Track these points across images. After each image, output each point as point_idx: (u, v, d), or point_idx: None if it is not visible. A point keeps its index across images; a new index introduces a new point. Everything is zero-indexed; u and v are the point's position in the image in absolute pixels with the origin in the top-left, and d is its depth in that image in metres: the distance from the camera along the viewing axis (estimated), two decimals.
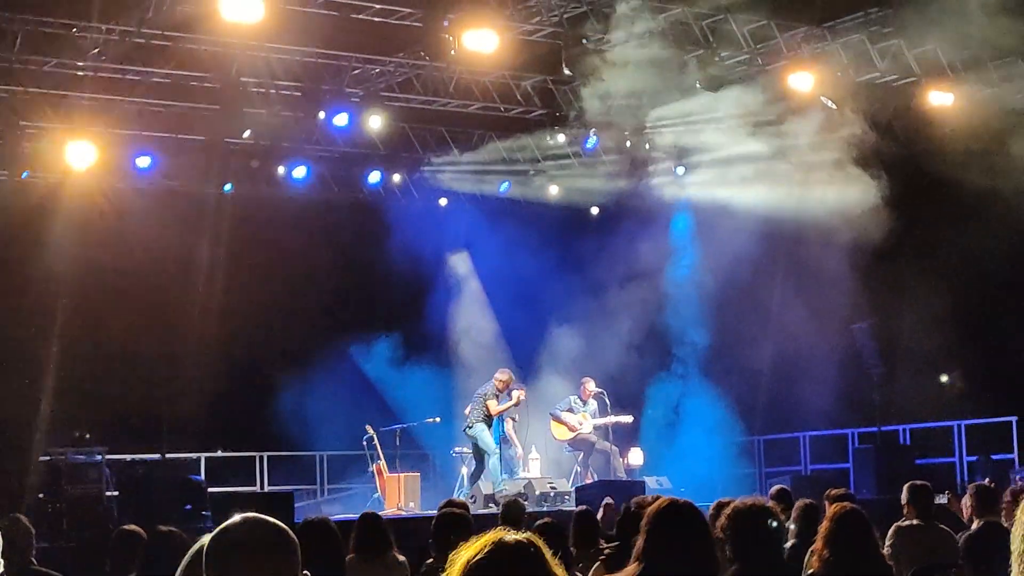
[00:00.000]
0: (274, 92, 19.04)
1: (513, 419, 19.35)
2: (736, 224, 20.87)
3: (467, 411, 18.83)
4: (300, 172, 22.01)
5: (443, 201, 23.93)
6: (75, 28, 16.98)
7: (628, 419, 19.69)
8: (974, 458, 19.79)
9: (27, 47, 16.95)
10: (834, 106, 18.87)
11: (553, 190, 23.70)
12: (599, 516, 11.67)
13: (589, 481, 18.60)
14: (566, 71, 18.08)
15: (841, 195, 19.79)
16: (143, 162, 20.60)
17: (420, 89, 19.93)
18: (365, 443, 19.31)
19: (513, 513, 10.18)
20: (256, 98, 19.06)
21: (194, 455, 19.74)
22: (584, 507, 10.43)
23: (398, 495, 18.18)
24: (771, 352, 21.07)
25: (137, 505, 15.82)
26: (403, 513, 17.32)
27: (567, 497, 17.79)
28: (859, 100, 19.38)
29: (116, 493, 16.90)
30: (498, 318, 23.39)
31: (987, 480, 13.77)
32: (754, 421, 22.26)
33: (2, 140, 18.33)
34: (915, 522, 9.03)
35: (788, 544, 8.83)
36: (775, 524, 6.01)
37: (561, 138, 21.87)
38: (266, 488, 21.07)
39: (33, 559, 7.92)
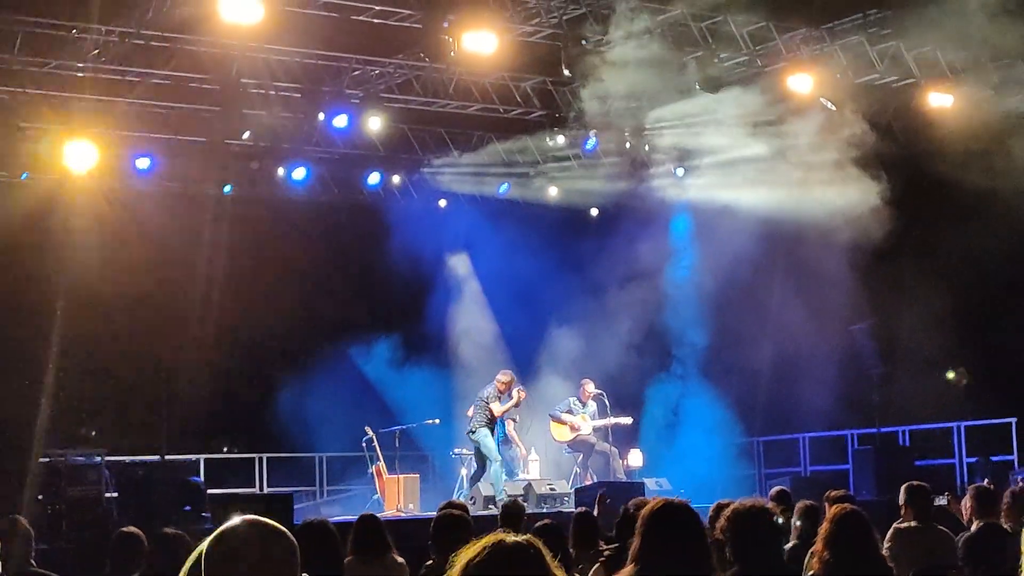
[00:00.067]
0: (274, 93, 19.03)
1: (514, 420, 19.35)
2: (736, 225, 20.88)
3: (469, 413, 18.72)
4: (300, 173, 22.00)
5: (443, 202, 23.94)
6: (75, 29, 16.98)
7: (627, 420, 19.68)
8: (974, 459, 19.78)
9: (27, 48, 16.95)
10: (833, 107, 18.88)
11: (552, 191, 23.71)
12: (595, 512, 11.66)
13: (588, 483, 18.59)
14: (565, 72, 18.09)
15: (841, 196, 19.79)
16: (143, 163, 20.60)
17: (420, 90, 19.93)
18: (364, 444, 19.30)
19: (512, 515, 10.18)
20: (256, 99, 19.05)
21: (193, 456, 19.73)
22: (583, 509, 10.43)
23: (397, 496, 18.17)
24: (770, 353, 21.07)
25: (137, 506, 15.84)
26: (402, 515, 17.31)
27: (566, 499, 17.79)
28: (858, 101, 19.38)
29: (115, 494, 16.89)
30: (498, 319, 23.39)
31: (986, 481, 13.77)
32: (753, 422, 22.26)
33: (2, 141, 18.32)
34: (913, 524, 9.02)
35: (789, 544, 8.84)
36: (775, 525, 6.01)
37: (560, 139, 21.86)
38: (265, 489, 21.07)
39: (32, 560, 7.91)
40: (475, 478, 18.51)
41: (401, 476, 18.58)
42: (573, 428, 19.48)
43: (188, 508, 16.04)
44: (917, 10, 17.17)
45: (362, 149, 22.10)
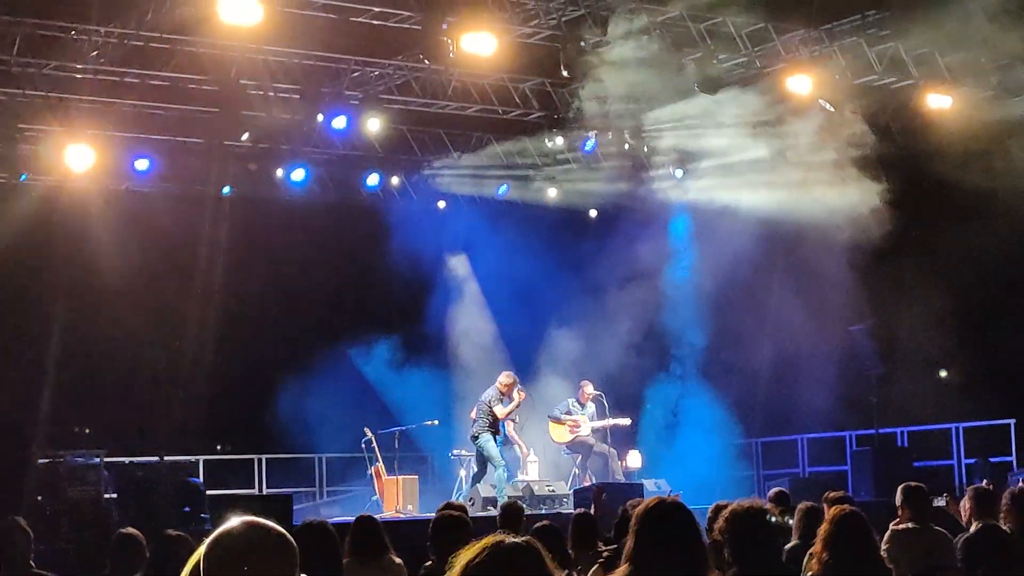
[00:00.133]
0: (273, 95, 19.03)
1: (514, 420, 19.32)
2: (735, 225, 20.89)
3: (472, 415, 18.62)
4: (299, 175, 21.99)
5: (442, 203, 23.94)
6: (74, 31, 16.99)
7: (626, 422, 19.67)
8: (972, 460, 19.78)
9: (26, 50, 16.95)
10: (832, 108, 18.89)
11: (552, 192, 23.71)
12: (592, 510, 11.67)
13: (587, 484, 18.58)
14: (564, 73, 18.10)
15: (840, 196, 19.80)
16: (142, 165, 20.60)
17: (419, 92, 19.93)
18: (364, 445, 19.29)
19: (512, 516, 10.18)
20: (255, 100, 19.05)
21: (193, 457, 19.73)
22: (582, 510, 10.45)
23: (396, 498, 18.15)
24: (770, 354, 21.07)
25: (136, 507, 15.84)
26: (401, 516, 17.30)
27: (565, 500, 17.78)
28: (857, 102, 19.39)
29: (115, 495, 16.90)
30: (497, 320, 23.39)
31: (985, 483, 13.76)
32: (752, 423, 22.26)
33: (1, 143, 18.32)
34: (910, 525, 9.01)
35: (789, 545, 8.84)
36: (773, 526, 6.01)
37: (560, 140, 21.86)
38: (265, 490, 21.08)
39: (32, 561, 7.91)
40: (475, 479, 18.47)
41: (400, 477, 18.56)
42: (574, 426, 19.46)
43: (187, 509, 16.05)
44: (916, 11, 17.17)
45: (361, 150, 22.11)
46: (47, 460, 16.70)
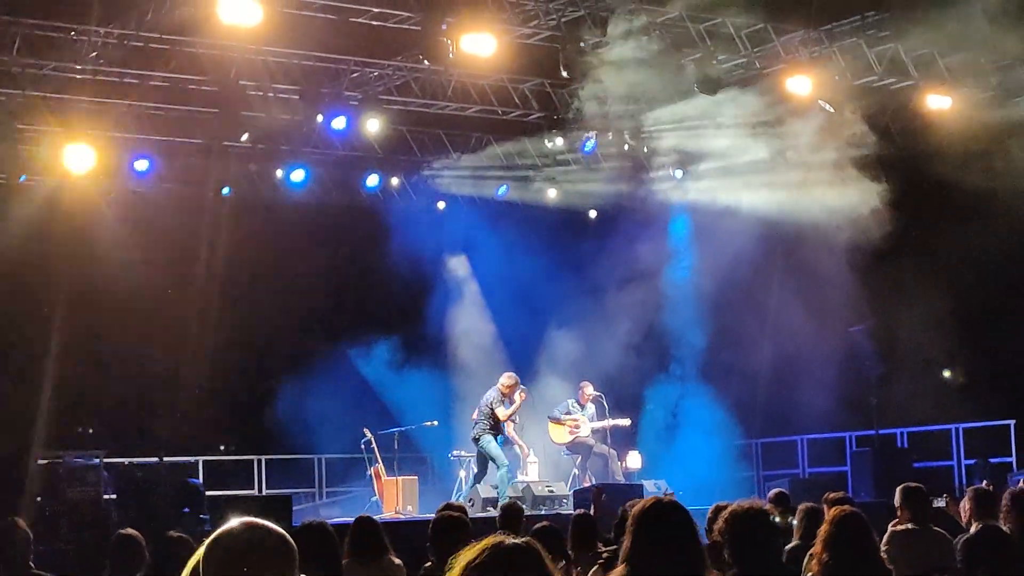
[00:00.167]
0: (272, 95, 19.03)
1: (514, 421, 19.31)
2: (735, 226, 20.89)
3: (473, 416, 18.59)
4: (298, 175, 21.99)
5: (441, 204, 23.94)
6: (73, 31, 16.98)
7: (626, 422, 19.66)
8: (972, 461, 19.77)
9: (25, 50, 16.95)
10: (832, 109, 18.89)
11: (551, 193, 23.71)
12: (592, 511, 11.67)
13: (587, 485, 18.57)
14: (564, 74, 18.09)
15: (840, 197, 19.81)
16: (141, 165, 20.59)
17: (418, 92, 19.93)
18: (363, 446, 19.28)
19: (511, 516, 10.18)
20: (254, 101, 19.05)
21: (192, 458, 19.73)
22: (582, 511, 10.45)
23: (396, 498, 18.14)
24: (769, 354, 21.07)
25: (136, 508, 15.85)
26: (401, 516, 17.30)
27: (565, 500, 17.77)
28: (857, 103, 19.39)
29: (114, 496, 16.90)
30: (497, 321, 23.38)
31: (985, 483, 13.76)
32: (752, 424, 22.26)
33: (0, 143, 18.32)
34: (909, 526, 9.01)
35: (789, 546, 8.84)
36: (773, 527, 6.01)
37: (559, 141, 21.87)
38: (264, 491, 21.07)
39: (31, 562, 7.91)
40: (476, 480, 18.45)
41: (400, 478, 18.55)
42: (574, 426, 19.45)
43: (187, 510, 16.04)
44: (916, 12, 17.17)
45: (361, 151, 22.10)
46: (47, 461, 16.71)
